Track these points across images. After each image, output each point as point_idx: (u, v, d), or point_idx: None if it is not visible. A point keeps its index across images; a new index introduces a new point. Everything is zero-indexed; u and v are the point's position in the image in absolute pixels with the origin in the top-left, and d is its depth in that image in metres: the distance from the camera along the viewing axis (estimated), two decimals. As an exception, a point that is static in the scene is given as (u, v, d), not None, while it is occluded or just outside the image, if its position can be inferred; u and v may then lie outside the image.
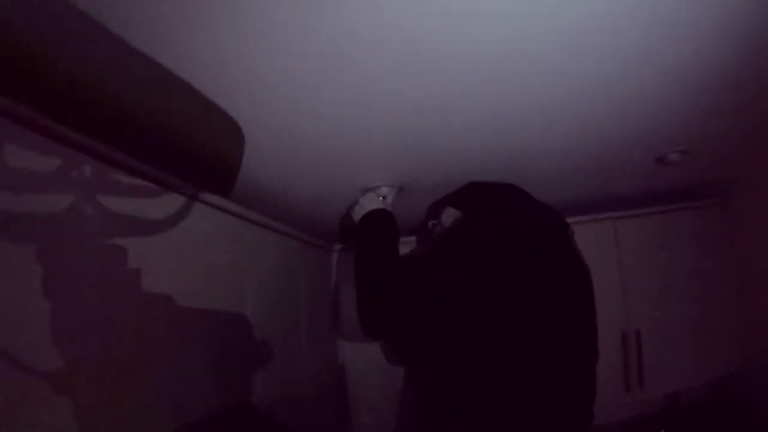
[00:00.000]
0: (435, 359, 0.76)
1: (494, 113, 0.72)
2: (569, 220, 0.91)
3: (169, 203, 0.75)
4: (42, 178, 0.51)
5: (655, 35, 0.56)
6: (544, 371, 0.68)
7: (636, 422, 1.56)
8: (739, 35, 0.59)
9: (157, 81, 0.55)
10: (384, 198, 0.98)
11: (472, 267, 0.71)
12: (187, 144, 0.73)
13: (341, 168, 0.88)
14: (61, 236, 0.53)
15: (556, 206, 0.94)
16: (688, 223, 1.43)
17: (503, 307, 0.69)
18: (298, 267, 1.28)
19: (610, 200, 1.40)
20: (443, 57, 0.55)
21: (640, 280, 1.40)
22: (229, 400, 0.84)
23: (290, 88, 0.60)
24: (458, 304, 0.69)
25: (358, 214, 0.94)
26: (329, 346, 1.52)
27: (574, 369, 0.72)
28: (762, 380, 1.38)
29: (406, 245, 1.51)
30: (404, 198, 1.07)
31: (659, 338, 1.38)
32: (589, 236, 0.90)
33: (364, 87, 0.61)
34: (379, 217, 0.89)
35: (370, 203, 0.92)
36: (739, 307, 1.42)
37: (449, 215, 0.96)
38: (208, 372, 0.79)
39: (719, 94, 0.77)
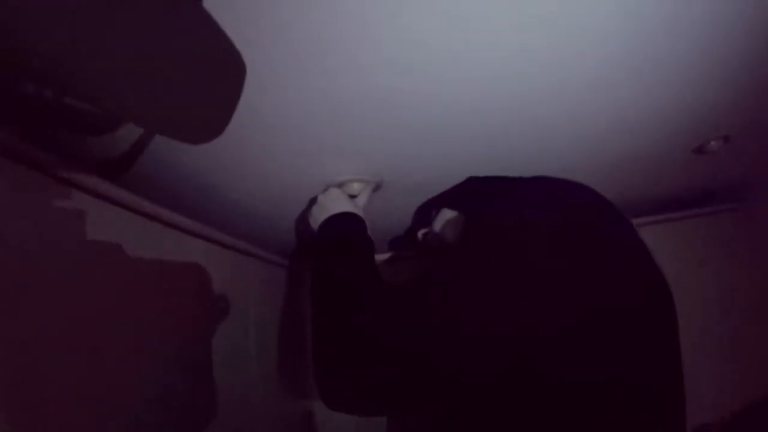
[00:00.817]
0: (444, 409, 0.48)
1: (522, 82, 0.52)
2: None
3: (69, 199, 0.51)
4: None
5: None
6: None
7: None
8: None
9: None
10: (354, 197, 0.72)
11: (502, 298, 0.43)
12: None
13: (296, 154, 0.63)
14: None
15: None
16: (718, 231, 1.23)
17: (559, 359, 0.41)
18: (247, 288, 1.01)
19: (629, 204, 1.19)
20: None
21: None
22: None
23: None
24: (492, 352, 0.41)
25: (316, 217, 0.67)
26: (294, 386, 1.23)
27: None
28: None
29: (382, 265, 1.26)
30: (380, 200, 0.82)
31: (687, 364, 1.17)
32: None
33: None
34: (347, 224, 0.63)
35: (334, 203, 0.66)
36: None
37: (444, 220, 0.70)
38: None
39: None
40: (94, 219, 0.58)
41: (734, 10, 0.46)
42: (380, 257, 1.23)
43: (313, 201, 0.74)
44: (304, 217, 0.82)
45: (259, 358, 1.01)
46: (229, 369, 0.88)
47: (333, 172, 0.70)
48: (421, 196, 0.83)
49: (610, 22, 0.45)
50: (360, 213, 0.66)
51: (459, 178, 0.76)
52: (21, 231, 0.47)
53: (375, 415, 0.49)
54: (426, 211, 0.82)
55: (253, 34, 0.40)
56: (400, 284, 0.49)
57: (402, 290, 0.48)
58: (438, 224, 0.72)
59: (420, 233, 0.78)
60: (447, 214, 0.70)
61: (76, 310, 0.53)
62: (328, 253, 0.59)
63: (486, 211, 0.52)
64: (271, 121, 0.54)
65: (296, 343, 1.26)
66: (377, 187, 0.76)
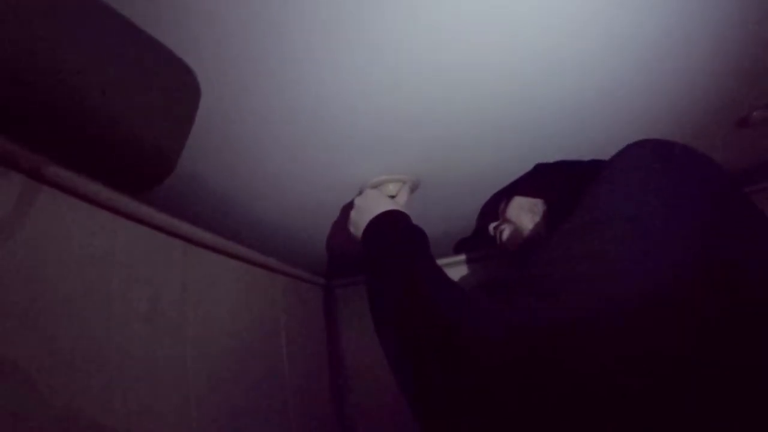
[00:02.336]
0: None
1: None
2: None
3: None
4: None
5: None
6: None
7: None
8: None
9: None
10: (392, 198, 0.67)
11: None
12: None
13: (327, 152, 0.59)
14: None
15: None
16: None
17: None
18: (278, 310, 0.95)
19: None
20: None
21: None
22: None
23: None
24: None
25: (358, 222, 0.62)
26: (329, 417, 1.16)
27: None
28: None
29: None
30: (419, 203, 0.77)
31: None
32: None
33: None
34: (397, 222, 0.57)
35: (376, 204, 0.60)
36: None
37: (520, 208, 0.66)
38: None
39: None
40: (114, 235, 0.54)
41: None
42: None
43: (348, 207, 0.69)
44: (339, 228, 0.76)
45: (291, 379, 0.94)
46: (262, 393, 0.82)
47: (366, 172, 0.66)
48: (465, 194, 0.78)
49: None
50: (403, 209, 0.61)
51: (503, 171, 0.72)
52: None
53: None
54: (492, 206, 0.78)
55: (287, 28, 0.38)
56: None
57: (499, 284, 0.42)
58: (513, 213, 0.68)
59: (491, 226, 0.73)
60: (522, 202, 0.67)
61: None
62: (385, 254, 0.53)
63: (582, 192, 0.45)
64: (300, 117, 0.50)
65: (329, 365, 1.20)
66: (415, 187, 0.71)
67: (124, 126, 0.46)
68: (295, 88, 0.45)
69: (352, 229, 0.64)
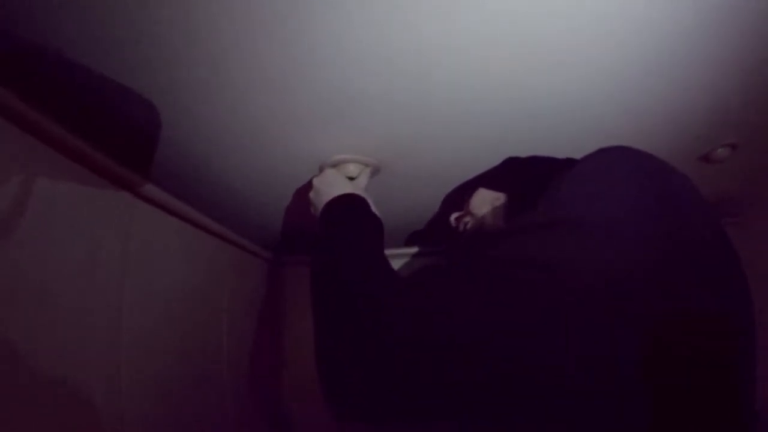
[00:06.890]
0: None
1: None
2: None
3: None
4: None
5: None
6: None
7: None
8: None
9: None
10: (352, 180, 0.65)
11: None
12: None
13: (286, 124, 0.56)
14: None
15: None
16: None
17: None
18: (223, 280, 0.92)
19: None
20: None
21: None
22: None
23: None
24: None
25: (317, 203, 0.60)
26: (270, 396, 1.14)
27: None
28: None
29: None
30: (379, 187, 0.76)
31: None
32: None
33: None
34: (350, 205, 0.56)
35: (332, 186, 0.59)
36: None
37: (483, 200, 0.65)
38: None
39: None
40: (57, 174, 0.50)
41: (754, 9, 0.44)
42: (390, 252, 1.16)
43: (305, 187, 0.67)
44: (295, 205, 0.74)
45: (229, 350, 0.92)
46: (197, 361, 0.79)
47: (326, 149, 0.64)
48: (424, 185, 0.77)
49: (623, 23, 0.44)
50: (362, 193, 0.60)
51: (464, 165, 0.71)
52: None
53: (400, 420, 0.40)
54: (456, 198, 0.77)
55: None
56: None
57: (446, 271, 0.41)
58: (475, 205, 0.67)
59: (453, 217, 0.72)
60: (485, 195, 0.66)
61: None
62: (334, 241, 0.51)
63: (548, 188, 0.45)
64: (266, 84, 0.48)
65: (269, 342, 1.18)
66: (376, 171, 0.69)
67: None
68: (262, 53, 0.43)
69: (312, 210, 0.62)
